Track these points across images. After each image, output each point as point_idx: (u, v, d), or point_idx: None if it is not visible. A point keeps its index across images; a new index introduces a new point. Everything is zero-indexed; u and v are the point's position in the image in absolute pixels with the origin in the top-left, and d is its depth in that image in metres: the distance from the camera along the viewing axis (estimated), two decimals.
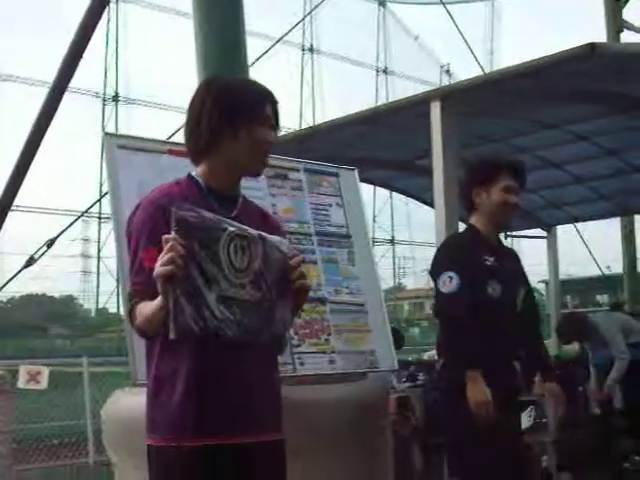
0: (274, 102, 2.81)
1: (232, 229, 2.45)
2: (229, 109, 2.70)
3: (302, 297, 2.69)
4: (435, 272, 4.34)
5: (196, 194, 2.72)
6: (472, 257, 4.26)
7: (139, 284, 2.58)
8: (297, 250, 2.82)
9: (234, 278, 2.44)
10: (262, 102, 2.76)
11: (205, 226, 2.41)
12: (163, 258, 2.33)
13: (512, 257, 4.56)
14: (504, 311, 4.23)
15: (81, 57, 4.69)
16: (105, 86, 27.54)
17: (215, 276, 2.41)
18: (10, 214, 6.12)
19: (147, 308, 2.50)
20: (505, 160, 4.55)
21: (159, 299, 2.41)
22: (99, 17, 4.63)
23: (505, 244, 4.80)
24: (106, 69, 27.45)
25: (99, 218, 27.39)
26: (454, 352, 4.28)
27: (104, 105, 27.54)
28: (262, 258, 2.50)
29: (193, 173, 2.79)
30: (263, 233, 2.55)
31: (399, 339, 6.89)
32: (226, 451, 2.59)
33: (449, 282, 4.20)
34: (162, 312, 2.40)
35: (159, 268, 2.34)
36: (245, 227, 2.52)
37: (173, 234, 2.35)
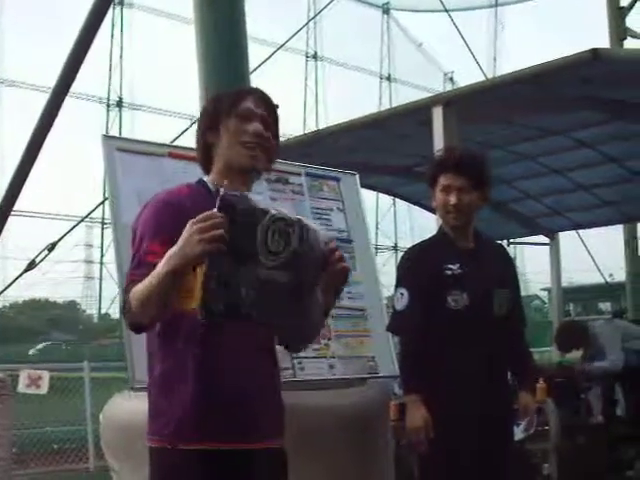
0: (260, 97, 2.84)
1: (274, 212, 2.42)
2: (213, 113, 2.82)
3: (341, 281, 2.65)
4: (395, 285, 4.18)
5: (206, 197, 2.71)
6: (429, 269, 4.03)
7: (139, 275, 2.51)
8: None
9: (265, 259, 2.39)
10: (240, 97, 2.81)
11: (247, 207, 2.39)
12: (205, 234, 2.28)
13: (493, 258, 4.22)
14: (473, 320, 3.95)
15: (84, 58, 4.68)
16: (109, 92, 27.60)
17: (250, 257, 2.37)
18: (13, 219, 6.11)
19: (144, 283, 2.45)
20: (442, 156, 4.26)
21: (160, 268, 2.38)
22: (102, 17, 4.62)
23: (489, 243, 4.41)
24: (110, 75, 27.50)
25: (102, 224, 27.41)
26: (400, 374, 4.21)
27: (108, 111, 27.60)
28: (299, 242, 2.46)
29: (205, 178, 2.84)
30: (303, 218, 2.52)
31: None
32: (226, 456, 2.57)
33: (400, 298, 4.07)
34: (166, 278, 2.36)
35: (200, 244, 2.29)
36: (285, 211, 2.48)
37: (217, 212, 2.32)
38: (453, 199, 3.99)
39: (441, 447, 3.91)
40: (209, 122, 2.83)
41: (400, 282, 4.13)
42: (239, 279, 2.35)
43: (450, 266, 4.00)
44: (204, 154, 2.85)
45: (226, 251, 2.32)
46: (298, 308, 2.51)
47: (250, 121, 2.77)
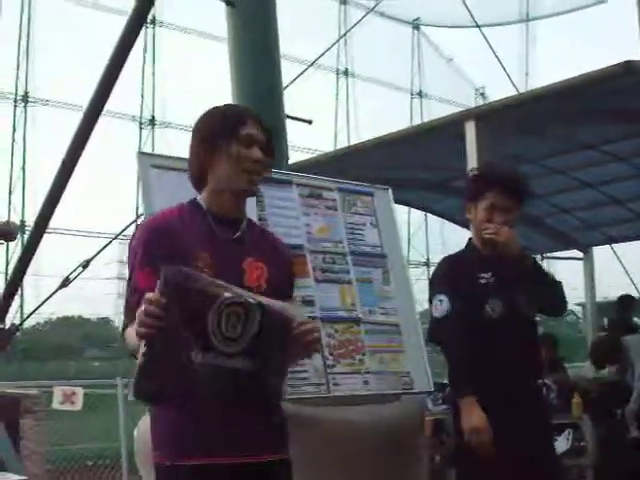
0: (257, 120, 2.84)
1: (228, 295, 2.33)
2: (209, 134, 2.80)
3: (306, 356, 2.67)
4: (429, 295, 4.14)
5: (196, 217, 2.78)
6: (466, 277, 4.03)
7: (134, 303, 2.55)
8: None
9: (223, 346, 2.32)
10: (241, 122, 2.79)
11: (195, 290, 2.31)
12: (139, 318, 2.30)
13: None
14: (508, 328, 3.94)
15: (117, 77, 4.70)
16: (142, 110, 27.76)
17: (200, 343, 2.30)
18: (47, 236, 6.15)
19: (131, 337, 2.49)
20: (496, 175, 4.19)
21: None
22: (136, 36, 4.65)
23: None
24: (143, 93, 27.68)
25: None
26: (449, 380, 4.14)
27: (141, 128, 27.76)
28: (259, 327, 2.37)
29: (197, 198, 2.85)
30: (264, 300, 2.43)
31: None
32: (224, 471, 2.59)
33: (439, 306, 4.01)
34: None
35: (136, 327, 2.32)
36: (244, 293, 2.40)
37: (157, 294, 2.30)
38: (500, 219, 3.99)
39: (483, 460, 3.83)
40: (205, 142, 2.81)
41: (437, 289, 4.08)
42: (185, 362, 2.29)
43: (483, 275, 4.01)
44: (197, 173, 2.83)
45: (161, 335, 2.27)
46: (258, 392, 2.43)
47: (251, 147, 2.76)
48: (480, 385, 3.88)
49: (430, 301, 4.12)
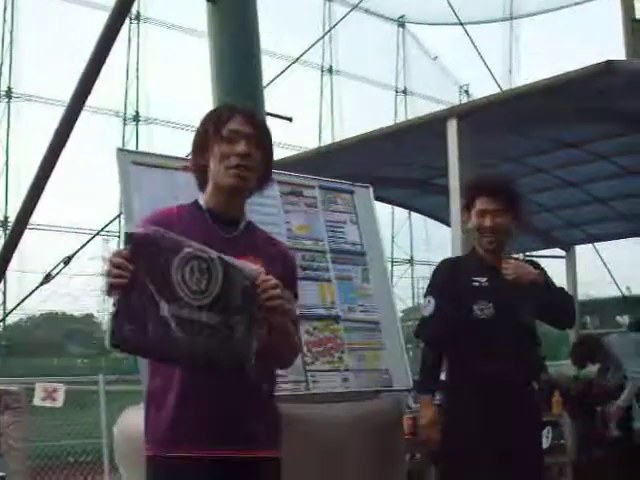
0: (245, 115, 2.86)
1: (189, 250, 2.42)
2: (202, 135, 2.86)
3: (278, 318, 2.60)
4: (424, 295, 4.44)
5: (195, 215, 2.82)
6: (458, 280, 4.23)
7: None
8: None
9: (190, 300, 2.40)
10: (223, 120, 2.83)
11: (159, 245, 2.40)
12: (107, 271, 2.36)
13: None
14: (498, 330, 4.10)
15: (100, 71, 4.69)
16: (126, 106, 27.69)
17: (165, 295, 2.38)
18: (30, 232, 6.14)
19: None
20: (481, 181, 4.43)
21: None
22: (118, 30, 4.64)
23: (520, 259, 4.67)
24: (127, 89, 27.61)
25: (119, 237, 27.49)
26: (418, 375, 4.39)
27: (124, 124, 27.70)
28: (223, 281, 2.45)
29: (199, 198, 2.89)
30: (225, 257, 2.49)
31: None
32: (214, 464, 2.63)
33: (427, 305, 4.28)
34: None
35: (105, 281, 2.38)
36: (205, 249, 2.47)
37: (122, 249, 2.38)
38: (488, 222, 4.17)
39: (463, 454, 4.04)
40: (199, 144, 2.87)
41: (428, 290, 4.35)
42: (153, 315, 2.36)
43: (478, 279, 4.20)
44: (198, 174, 2.89)
45: (134, 287, 2.35)
46: (226, 348, 2.46)
47: (236, 142, 2.78)
48: (466, 381, 4.13)
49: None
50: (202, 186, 2.89)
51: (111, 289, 2.36)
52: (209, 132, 2.82)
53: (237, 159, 2.77)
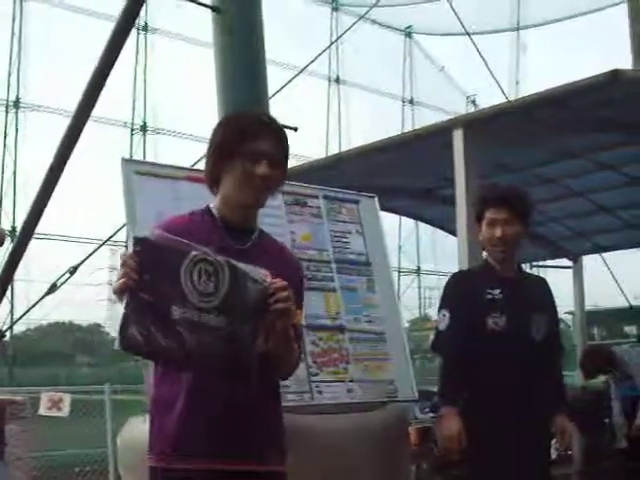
0: (269, 129, 2.80)
1: (196, 253, 2.42)
2: (226, 143, 2.75)
3: (287, 321, 2.57)
4: (438, 309, 4.40)
5: (208, 225, 2.76)
6: (471, 292, 4.22)
7: None
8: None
9: (197, 302, 2.41)
10: (247, 137, 2.74)
11: (167, 248, 2.42)
12: (118, 274, 2.38)
13: (532, 287, 4.40)
14: (510, 342, 4.10)
15: (106, 79, 4.68)
16: (133, 116, 27.71)
17: (174, 298, 2.39)
18: (37, 242, 6.14)
19: None
20: (490, 192, 4.43)
21: None
22: (124, 39, 4.63)
23: (530, 275, 4.75)
24: (134, 99, 27.64)
25: (126, 247, 27.39)
26: (438, 388, 4.32)
27: (132, 135, 27.72)
28: (230, 285, 2.45)
29: (211, 205, 2.82)
30: (233, 260, 2.49)
31: None
32: (218, 477, 2.60)
33: (443, 319, 4.25)
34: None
35: (115, 283, 2.39)
36: (210, 252, 2.47)
37: (130, 252, 2.39)
38: (499, 232, 4.16)
39: (477, 466, 4.04)
40: (215, 153, 2.79)
41: (443, 304, 4.32)
42: (160, 317, 2.38)
43: (491, 291, 4.18)
44: (211, 180, 2.83)
45: (142, 290, 2.37)
46: (231, 351, 2.46)
47: (258, 163, 2.71)
48: (481, 393, 4.08)
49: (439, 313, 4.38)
50: (213, 189, 2.83)
51: (120, 291, 2.37)
52: (230, 144, 2.74)
53: (258, 180, 2.72)
